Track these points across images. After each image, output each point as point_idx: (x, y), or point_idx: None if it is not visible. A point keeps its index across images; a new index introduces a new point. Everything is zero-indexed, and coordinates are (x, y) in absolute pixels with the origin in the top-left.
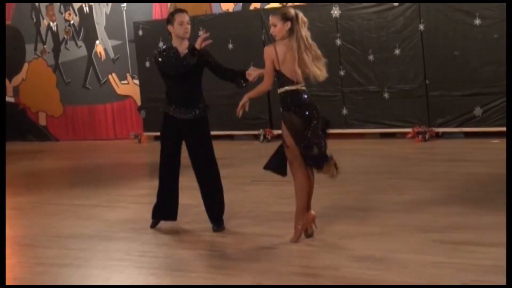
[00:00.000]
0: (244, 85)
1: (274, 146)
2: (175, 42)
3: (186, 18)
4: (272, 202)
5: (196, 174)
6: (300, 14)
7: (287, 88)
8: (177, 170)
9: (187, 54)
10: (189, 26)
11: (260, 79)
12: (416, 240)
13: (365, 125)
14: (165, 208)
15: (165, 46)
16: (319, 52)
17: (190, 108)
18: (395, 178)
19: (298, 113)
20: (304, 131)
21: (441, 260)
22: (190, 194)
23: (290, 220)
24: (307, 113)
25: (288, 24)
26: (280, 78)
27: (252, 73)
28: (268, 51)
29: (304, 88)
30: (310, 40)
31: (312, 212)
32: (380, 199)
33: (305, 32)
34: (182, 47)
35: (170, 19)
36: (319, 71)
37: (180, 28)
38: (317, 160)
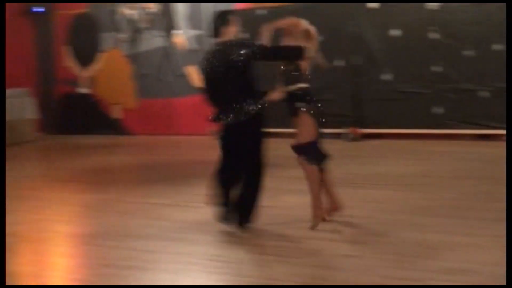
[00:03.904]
0: None
1: (362, 146)
2: None
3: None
4: (360, 206)
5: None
6: None
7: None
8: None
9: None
10: None
11: None
12: None
13: (460, 125)
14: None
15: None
16: None
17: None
18: (493, 184)
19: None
20: None
21: None
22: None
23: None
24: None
25: None
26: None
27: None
28: None
29: None
30: None
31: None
32: (474, 206)
33: None
34: None
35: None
36: None
37: None
38: None
